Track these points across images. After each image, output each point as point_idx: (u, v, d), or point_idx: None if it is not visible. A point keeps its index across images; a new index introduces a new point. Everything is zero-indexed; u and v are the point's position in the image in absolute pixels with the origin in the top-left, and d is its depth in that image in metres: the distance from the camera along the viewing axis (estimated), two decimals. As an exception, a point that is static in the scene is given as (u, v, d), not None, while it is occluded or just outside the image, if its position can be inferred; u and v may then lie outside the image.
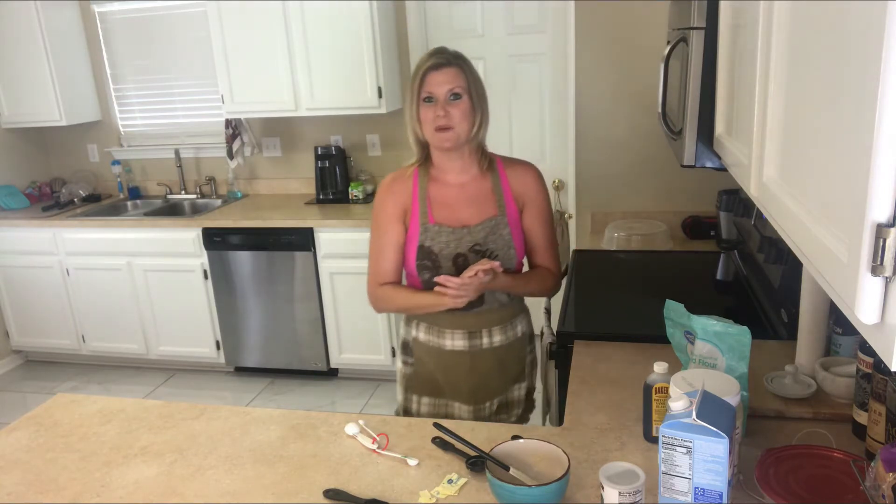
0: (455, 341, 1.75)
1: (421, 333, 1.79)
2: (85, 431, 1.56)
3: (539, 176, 1.79)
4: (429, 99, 1.63)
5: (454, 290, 1.58)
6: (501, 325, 1.77)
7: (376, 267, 1.75)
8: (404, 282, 1.80)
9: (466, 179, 1.73)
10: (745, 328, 1.29)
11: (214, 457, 1.43)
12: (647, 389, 1.34)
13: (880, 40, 0.57)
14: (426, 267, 1.70)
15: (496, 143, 3.83)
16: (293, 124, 4.07)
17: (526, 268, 1.82)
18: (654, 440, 1.35)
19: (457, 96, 1.62)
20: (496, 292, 1.72)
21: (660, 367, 1.33)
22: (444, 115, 1.61)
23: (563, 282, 2.46)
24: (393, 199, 1.72)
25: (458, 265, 1.69)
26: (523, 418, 1.90)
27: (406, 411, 1.84)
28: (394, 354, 3.58)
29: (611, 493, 1.11)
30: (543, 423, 2.14)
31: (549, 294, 1.86)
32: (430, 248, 1.68)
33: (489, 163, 1.74)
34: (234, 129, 4.00)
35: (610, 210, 3.36)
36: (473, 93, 1.65)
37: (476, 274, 1.57)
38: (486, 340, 1.76)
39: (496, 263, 1.60)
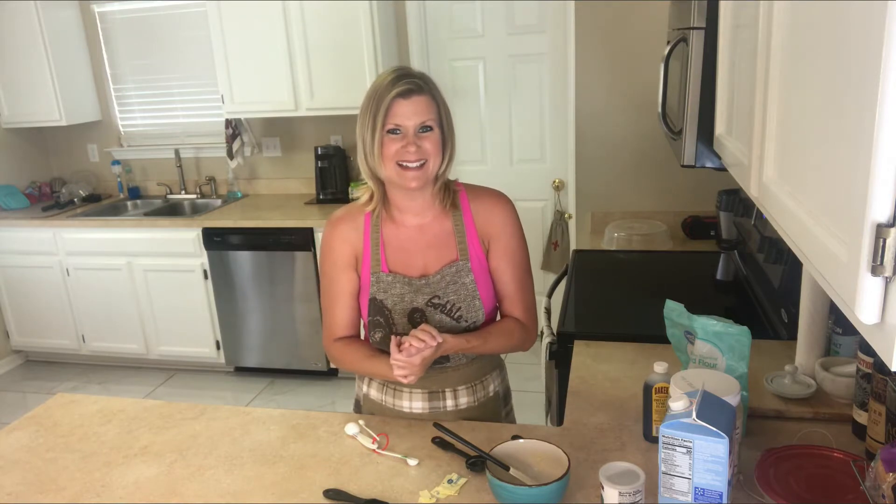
0: (413, 402, 1.53)
1: (373, 391, 1.58)
2: (85, 431, 1.56)
3: (509, 208, 1.54)
4: (394, 130, 1.38)
5: (399, 367, 1.35)
6: (469, 384, 1.54)
7: (328, 320, 1.54)
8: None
9: (426, 220, 1.49)
10: (745, 328, 1.29)
11: (214, 457, 1.43)
12: (647, 389, 1.34)
13: (880, 39, 0.57)
14: (378, 324, 1.47)
15: (496, 143, 3.86)
16: (293, 124, 4.07)
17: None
18: (654, 440, 1.35)
19: (427, 128, 1.39)
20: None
21: (660, 367, 1.33)
22: (416, 151, 1.37)
23: (564, 282, 2.46)
24: (341, 242, 1.50)
25: (416, 322, 1.45)
26: None
27: None
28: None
29: (611, 493, 1.11)
30: (545, 424, 2.14)
31: (520, 350, 1.57)
32: (382, 303, 1.46)
33: (453, 199, 1.50)
34: (234, 129, 4.00)
35: (610, 210, 3.36)
36: (444, 123, 1.42)
37: (409, 345, 1.33)
38: (449, 402, 1.53)
39: (436, 337, 1.33)
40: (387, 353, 1.44)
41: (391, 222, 1.50)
